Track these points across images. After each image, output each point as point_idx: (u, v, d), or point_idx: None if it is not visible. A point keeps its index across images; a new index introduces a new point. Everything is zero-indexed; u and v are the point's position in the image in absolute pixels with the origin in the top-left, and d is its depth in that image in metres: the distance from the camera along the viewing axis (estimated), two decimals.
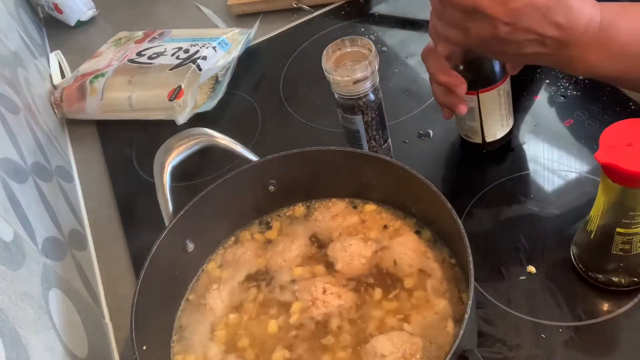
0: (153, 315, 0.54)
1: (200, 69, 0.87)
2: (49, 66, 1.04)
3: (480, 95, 0.63)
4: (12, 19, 0.99)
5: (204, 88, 0.89)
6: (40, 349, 0.49)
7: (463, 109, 0.60)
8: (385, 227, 0.61)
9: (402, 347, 0.50)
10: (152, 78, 0.89)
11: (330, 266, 0.59)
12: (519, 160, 0.69)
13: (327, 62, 0.62)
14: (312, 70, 0.90)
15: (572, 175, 0.66)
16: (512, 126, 0.69)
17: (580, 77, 0.76)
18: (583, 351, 0.53)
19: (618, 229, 0.50)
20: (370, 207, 0.63)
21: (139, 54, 0.95)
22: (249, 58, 0.95)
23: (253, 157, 0.62)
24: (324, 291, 0.56)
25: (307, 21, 1.00)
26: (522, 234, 0.62)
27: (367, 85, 0.61)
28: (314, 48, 0.94)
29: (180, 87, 0.85)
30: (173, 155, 0.61)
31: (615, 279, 0.54)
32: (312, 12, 1.01)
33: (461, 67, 0.62)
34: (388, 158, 0.61)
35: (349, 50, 0.62)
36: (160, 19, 1.13)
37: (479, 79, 0.63)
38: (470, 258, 0.48)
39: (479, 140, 0.68)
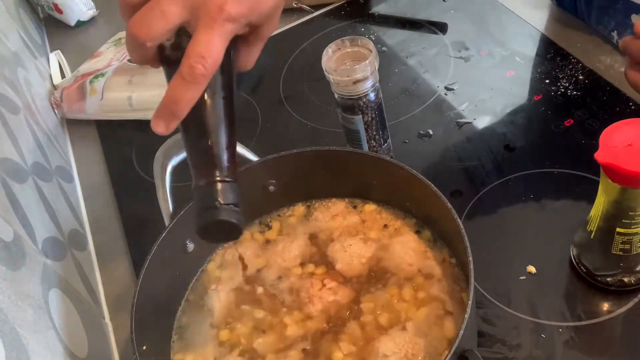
0: (153, 315, 0.54)
1: None
2: (49, 66, 1.04)
3: None
4: (12, 19, 0.99)
5: None
6: (40, 349, 0.49)
7: None
8: (385, 226, 0.61)
9: (405, 347, 0.50)
10: (152, 78, 0.89)
11: (330, 266, 0.59)
12: (519, 160, 0.69)
13: (327, 62, 0.62)
14: (312, 70, 0.90)
15: (572, 175, 0.66)
16: (512, 126, 0.69)
17: (581, 77, 0.76)
18: (583, 351, 0.53)
19: (618, 229, 0.50)
20: (370, 207, 0.63)
21: None
22: None
23: (253, 157, 0.62)
24: (321, 288, 0.56)
25: (307, 21, 1.00)
26: (522, 234, 0.62)
27: (367, 85, 0.61)
28: (314, 48, 0.94)
29: None
30: (173, 156, 0.60)
31: (626, 279, 0.54)
32: (312, 12, 1.01)
33: None
34: (388, 158, 0.61)
35: (349, 50, 0.62)
36: None
37: None
38: (470, 258, 0.48)
39: None
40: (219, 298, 0.59)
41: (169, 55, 0.45)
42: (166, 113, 0.44)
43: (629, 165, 0.44)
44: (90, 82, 0.92)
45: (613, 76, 0.75)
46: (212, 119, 0.45)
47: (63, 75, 1.02)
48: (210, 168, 0.45)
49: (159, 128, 0.44)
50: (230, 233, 0.46)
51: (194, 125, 0.45)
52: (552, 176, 0.66)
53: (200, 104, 0.44)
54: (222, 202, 0.44)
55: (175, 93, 0.43)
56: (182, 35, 0.44)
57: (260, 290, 0.59)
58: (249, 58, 0.50)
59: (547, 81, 0.77)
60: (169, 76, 0.45)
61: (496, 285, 0.59)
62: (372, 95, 0.62)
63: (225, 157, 0.45)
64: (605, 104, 0.72)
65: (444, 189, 0.54)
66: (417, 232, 0.60)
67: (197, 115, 0.44)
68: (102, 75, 0.92)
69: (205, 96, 0.44)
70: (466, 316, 0.45)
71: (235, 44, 0.47)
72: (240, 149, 0.62)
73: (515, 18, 0.88)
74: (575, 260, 0.58)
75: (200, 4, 0.43)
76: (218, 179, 0.44)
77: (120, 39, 1.04)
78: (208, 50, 0.42)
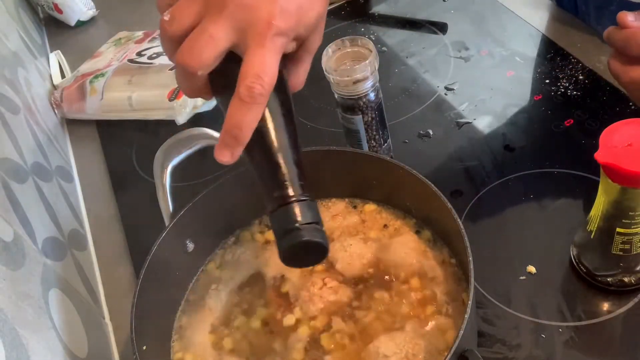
0: (153, 315, 0.54)
1: None
2: (49, 66, 1.04)
3: None
4: (12, 19, 0.99)
5: None
6: (40, 349, 0.49)
7: None
8: (385, 226, 0.61)
9: (405, 347, 0.50)
10: (152, 78, 0.89)
11: (330, 266, 0.59)
12: (519, 160, 0.69)
13: (327, 62, 0.62)
14: (312, 70, 0.90)
15: (572, 175, 0.66)
16: (512, 126, 0.69)
17: (581, 77, 0.76)
18: (583, 351, 0.53)
19: (618, 229, 0.50)
20: (370, 207, 0.63)
21: (139, 54, 0.94)
22: None
23: None
24: (321, 287, 0.56)
25: None
26: (522, 234, 0.62)
27: (367, 85, 0.61)
28: None
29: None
30: (173, 156, 0.60)
31: (626, 279, 0.54)
32: None
33: None
34: (388, 158, 0.61)
35: (349, 50, 0.62)
36: None
37: None
38: (470, 258, 0.48)
39: None
40: (219, 298, 0.59)
41: (220, 84, 0.44)
42: (230, 140, 0.42)
43: (629, 165, 0.44)
44: (90, 82, 0.92)
45: None
46: (276, 139, 0.43)
47: (63, 75, 1.02)
48: (283, 189, 0.42)
49: (224, 157, 0.42)
50: (316, 253, 0.44)
51: (259, 149, 0.43)
52: (552, 176, 0.66)
53: (262, 126, 0.42)
54: (302, 221, 0.42)
55: (235, 117, 0.41)
56: (230, 61, 0.43)
57: (260, 290, 0.59)
58: (300, 76, 0.48)
59: (547, 81, 0.77)
60: (223, 104, 0.44)
61: (496, 285, 0.59)
62: (372, 95, 0.62)
63: (296, 175, 0.43)
64: (605, 104, 0.72)
65: (444, 189, 0.54)
66: (417, 232, 0.60)
67: (261, 137, 0.43)
68: (102, 75, 0.92)
69: (266, 117, 0.42)
70: (466, 316, 0.45)
71: (285, 63, 0.46)
72: None
73: (515, 18, 0.88)
74: (575, 260, 0.58)
75: (248, 24, 0.41)
76: (293, 199, 0.42)
77: (120, 39, 1.04)
78: (263, 68, 0.41)
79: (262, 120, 0.42)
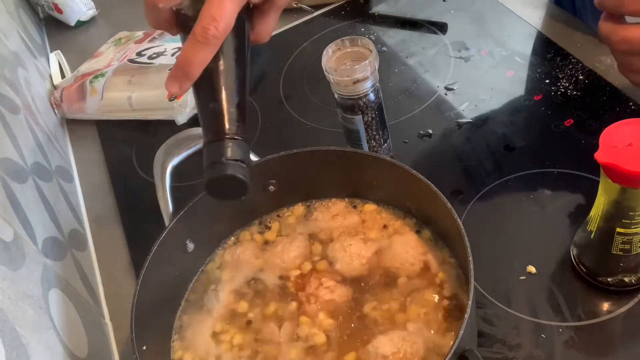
0: (153, 315, 0.54)
1: None
2: (49, 66, 1.04)
3: None
4: (12, 19, 0.99)
5: None
6: (40, 349, 0.49)
7: None
8: (385, 226, 0.61)
9: (404, 347, 0.50)
10: (152, 78, 0.89)
11: (329, 266, 0.59)
12: (519, 160, 0.69)
13: (327, 62, 0.62)
14: (312, 70, 0.90)
15: (572, 175, 0.66)
16: (512, 126, 0.69)
17: (581, 77, 0.76)
18: (583, 351, 0.53)
19: (618, 229, 0.50)
20: (370, 207, 0.63)
21: (139, 54, 0.94)
22: None
23: (253, 157, 0.62)
24: (318, 287, 0.56)
25: (307, 21, 1.00)
26: (522, 234, 0.62)
27: (367, 85, 0.61)
28: (314, 48, 0.94)
29: None
30: (173, 155, 0.61)
31: (626, 279, 0.54)
32: (312, 12, 1.01)
33: None
34: (388, 158, 0.61)
35: (349, 50, 0.62)
36: None
37: None
38: (470, 258, 0.48)
39: None
40: (219, 298, 0.59)
41: (186, 22, 0.46)
42: (179, 74, 0.45)
43: (629, 165, 0.44)
44: (90, 82, 0.92)
45: (613, 76, 0.75)
46: (223, 80, 0.46)
47: (63, 75, 1.02)
48: (219, 126, 0.45)
49: (173, 88, 0.46)
50: (237, 190, 0.46)
51: (206, 86, 0.46)
52: (552, 176, 0.66)
53: (212, 66, 0.45)
54: (229, 157, 0.44)
55: (188, 54, 0.44)
56: (198, 3, 0.45)
57: (259, 290, 0.59)
58: (264, 28, 0.50)
59: (547, 81, 0.77)
60: (183, 40, 0.47)
61: (496, 285, 0.59)
62: (372, 95, 0.62)
63: (234, 116, 0.46)
64: (605, 104, 0.72)
65: (444, 189, 0.54)
66: (417, 232, 0.60)
67: (209, 76, 0.46)
68: (102, 75, 0.92)
69: (218, 59, 0.45)
70: (466, 316, 0.45)
71: (251, 14, 0.48)
72: None
73: (515, 18, 0.88)
74: (575, 260, 0.58)
75: None
76: (227, 136, 0.45)
77: (120, 39, 1.04)
78: (220, 12, 0.43)
79: (214, 61, 0.45)
